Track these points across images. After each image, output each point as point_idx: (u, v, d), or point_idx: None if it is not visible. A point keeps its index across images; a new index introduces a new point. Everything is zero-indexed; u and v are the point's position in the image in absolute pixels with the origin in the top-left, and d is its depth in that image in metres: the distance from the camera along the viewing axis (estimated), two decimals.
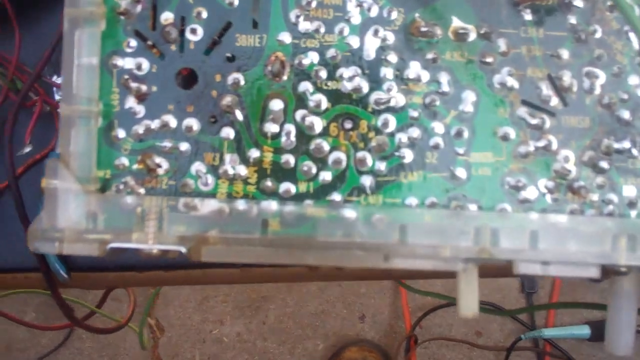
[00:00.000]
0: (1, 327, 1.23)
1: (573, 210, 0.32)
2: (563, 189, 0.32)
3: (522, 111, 0.32)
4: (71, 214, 0.30)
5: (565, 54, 0.32)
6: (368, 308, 1.26)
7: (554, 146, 0.32)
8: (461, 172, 0.32)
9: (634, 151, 0.32)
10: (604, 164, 0.31)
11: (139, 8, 0.32)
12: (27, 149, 0.47)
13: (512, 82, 0.32)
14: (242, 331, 1.26)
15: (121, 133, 0.32)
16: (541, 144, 0.32)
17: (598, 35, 0.32)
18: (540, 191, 0.32)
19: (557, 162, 0.32)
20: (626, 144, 0.32)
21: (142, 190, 0.31)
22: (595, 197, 0.32)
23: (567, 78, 0.32)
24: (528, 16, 0.32)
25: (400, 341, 1.22)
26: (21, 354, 1.24)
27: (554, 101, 0.32)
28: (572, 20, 0.32)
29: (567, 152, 0.32)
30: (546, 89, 0.32)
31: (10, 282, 0.49)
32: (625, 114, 0.32)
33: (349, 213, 0.31)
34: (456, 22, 0.32)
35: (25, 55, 0.47)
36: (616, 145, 0.32)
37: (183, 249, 0.30)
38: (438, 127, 0.32)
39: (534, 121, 0.32)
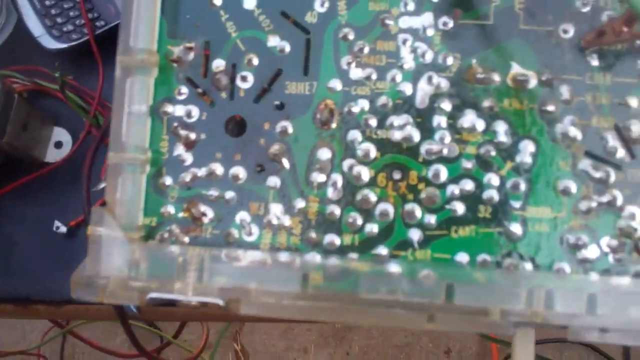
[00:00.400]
0: (90, 350, 1.28)
1: (638, 273, 0.29)
2: (628, 249, 0.29)
3: (586, 164, 0.31)
4: (114, 262, 0.31)
5: (634, 102, 0.31)
6: (455, 343, 1.23)
7: (619, 202, 0.31)
8: (516, 228, 0.30)
9: None
10: None
11: (191, 55, 0.33)
12: (102, 185, 0.48)
13: (575, 132, 0.31)
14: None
15: (169, 180, 0.33)
16: (605, 199, 0.30)
17: None
18: (603, 250, 0.30)
19: (622, 220, 0.30)
20: None
21: (186, 239, 0.32)
22: None
23: (636, 128, 0.30)
24: (594, 62, 0.31)
25: None
26: None
27: (621, 153, 0.31)
28: None
29: (633, 208, 0.30)
30: (612, 140, 0.31)
31: (82, 313, 0.51)
32: None
33: (394, 268, 0.30)
34: (516, 68, 0.31)
35: (108, 91, 0.48)
36: None
37: (221, 302, 0.29)
38: (493, 179, 0.31)
39: (597, 174, 0.30)
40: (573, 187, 0.31)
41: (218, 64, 0.33)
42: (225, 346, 1.26)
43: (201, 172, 0.33)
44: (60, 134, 0.55)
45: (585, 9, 0.31)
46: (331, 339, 1.26)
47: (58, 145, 0.54)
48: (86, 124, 0.53)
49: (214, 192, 0.32)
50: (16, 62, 0.55)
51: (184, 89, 0.33)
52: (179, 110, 0.33)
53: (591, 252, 0.30)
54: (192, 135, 0.33)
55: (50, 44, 0.54)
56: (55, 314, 0.54)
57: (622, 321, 0.28)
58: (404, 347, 1.24)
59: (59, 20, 0.54)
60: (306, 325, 1.25)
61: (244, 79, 0.33)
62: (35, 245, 0.52)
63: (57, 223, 0.52)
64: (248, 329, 1.26)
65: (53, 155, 0.54)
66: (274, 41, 0.33)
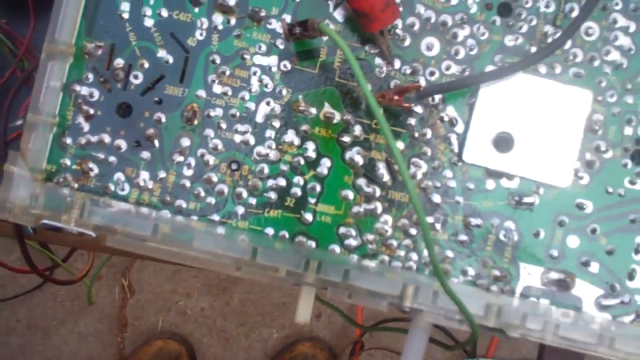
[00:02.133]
0: None
1: (383, 260, 0.42)
2: (379, 242, 0.42)
3: (362, 181, 0.42)
4: (21, 193, 0.40)
5: (400, 145, 0.42)
6: (326, 308, 1.29)
7: (379, 210, 0.42)
8: (309, 217, 0.42)
9: (437, 226, 0.42)
10: (412, 231, 0.42)
11: (100, 52, 0.42)
12: (19, 122, 0.56)
13: (358, 158, 0.43)
14: (205, 307, 1.32)
15: (69, 140, 0.42)
16: (370, 207, 0.42)
17: (428, 135, 0.42)
18: (363, 241, 0.42)
19: (378, 223, 0.42)
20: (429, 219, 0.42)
21: (75, 185, 0.42)
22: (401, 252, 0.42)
23: None
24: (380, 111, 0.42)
25: (348, 343, 1.26)
26: (0, 289, 1.30)
27: (386, 177, 0.42)
28: (412, 121, 0.42)
29: (387, 217, 0.42)
30: (382, 168, 0.42)
31: None
32: (437, 198, 0.42)
33: (220, 230, 0.42)
34: (327, 107, 0.43)
35: (36, 38, 0.55)
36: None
37: (93, 234, 0.40)
38: (299, 180, 0.42)
39: (368, 189, 0.42)
40: (351, 195, 0.43)
41: (118, 62, 0.43)
42: (114, 280, 1.30)
43: (94, 138, 0.43)
44: None
45: (381, 75, 0.43)
46: (214, 288, 1.31)
47: None
48: (13, 66, 0.61)
49: (100, 155, 0.43)
50: None
51: (90, 76, 0.43)
52: (84, 91, 0.43)
53: (355, 241, 0.43)
54: (91, 111, 0.43)
55: None
56: None
57: (365, 289, 0.41)
58: (280, 306, 1.31)
59: None
60: (193, 272, 1.30)
61: (135, 76, 0.43)
62: None
63: None
64: (137, 267, 1.31)
65: None
66: (162, 53, 0.43)
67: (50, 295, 1.31)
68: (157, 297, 1.32)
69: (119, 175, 0.43)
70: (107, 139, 0.43)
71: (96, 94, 0.43)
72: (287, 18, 0.43)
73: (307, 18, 0.40)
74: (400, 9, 0.43)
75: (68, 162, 0.43)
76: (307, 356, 1.25)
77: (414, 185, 0.38)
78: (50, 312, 1.31)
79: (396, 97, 0.41)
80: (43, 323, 1.31)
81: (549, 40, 0.43)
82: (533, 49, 0.43)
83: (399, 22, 0.43)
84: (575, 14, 0.43)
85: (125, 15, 0.43)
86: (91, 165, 0.43)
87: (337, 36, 0.37)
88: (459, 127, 0.43)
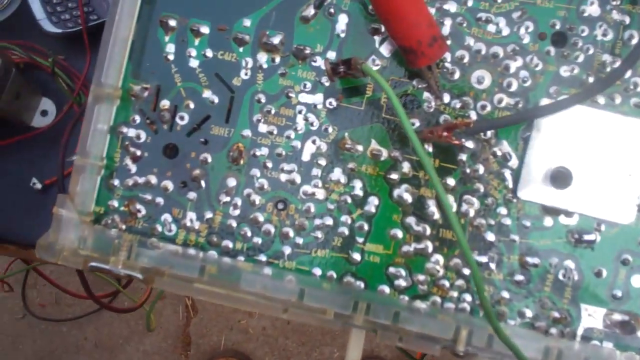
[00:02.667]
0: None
1: (435, 302, 0.40)
2: (430, 283, 0.40)
3: (411, 219, 0.40)
4: (69, 236, 0.40)
5: (451, 181, 0.40)
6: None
7: (430, 250, 0.40)
8: (357, 256, 0.41)
9: (492, 265, 0.40)
10: (465, 271, 0.40)
11: (146, 93, 0.42)
12: (75, 157, 0.56)
13: (407, 196, 0.41)
14: (267, 326, 1.32)
15: (116, 182, 0.42)
16: (420, 246, 0.40)
17: (481, 171, 0.40)
18: (414, 282, 0.40)
19: (429, 263, 0.40)
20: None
21: (123, 227, 0.42)
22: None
23: (449, 200, 0.40)
24: (430, 149, 0.40)
25: None
26: (68, 308, 1.32)
27: (436, 215, 0.40)
28: (462, 157, 0.40)
29: (438, 256, 0.40)
30: (432, 206, 0.40)
31: None
32: (491, 237, 0.40)
33: (267, 271, 0.41)
34: (374, 145, 0.41)
35: (92, 73, 0.54)
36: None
37: (140, 277, 0.39)
38: (346, 219, 0.41)
39: (418, 228, 0.40)
40: (400, 234, 0.41)
41: (164, 103, 0.43)
42: (177, 299, 1.32)
43: (141, 180, 0.43)
44: (47, 104, 0.62)
45: (430, 110, 0.41)
46: None
47: (44, 113, 0.62)
48: (70, 101, 0.62)
49: (148, 196, 0.42)
50: (15, 37, 0.62)
51: (137, 118, 0.43)
52: (131, 132, 0.43)
53: (405, 281, 0.41)
54: (138, 152, 0.43)
55: (49, 27, 0.61)
56: (22, 254, 0.63)
57: (416, 332, 0.39)
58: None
59: (58, 8, 0.62)
60: None
61: (181, 117, 0.43)
62: (13, 197, 0.60)
63: (34, 180, 0.61)
64: None
65: (39, 122, 0.62)
66: (207, 94, 0.42)
67: (117, 315, 1.32)
68: (220, 315, 1.32)
69: (166, 216, 0.42)
70: (153, 180, 0.42)
71: (143, 135, 0.43)
72: (332, 55, 0.42)
73: (350, 57, 0.38)
74: (449, 42, 0.41)
75: (116, 203, 0.43)
76: None
77: (459, 223, 0.36)
78: (116, 331, 1.33)
79: (445, 134, 0.39)
80: (109, 342, 1.33)
81: (608, 69, 0.41)
82: (591, 80, 0.41)
83: (447, 55, 0.41)
84: (635, 41, 0.40)
85: (171, 57, 0.43)
86: (138, 206, 0.42)
87: (379, 76, 0.35)
88: (513, 162, 0.41)
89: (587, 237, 0.40)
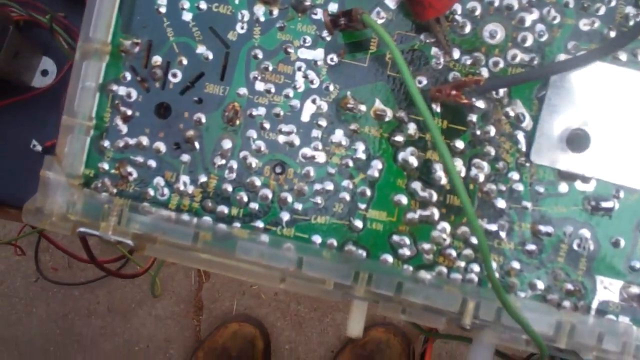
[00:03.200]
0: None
1: (440, 272, 0.38)
2: (436, 252, 0.37)
3: (416, 185, 0.38)
4: (57, 200, 0.38)
5: (460, 144, 0.37)
6: None
7: (436, 217, 0.38)
8: (359, 223, 0.38)
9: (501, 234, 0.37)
10: (473, 239, 0.37)
11: (137, 49, 0.39)
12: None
13: (413, 160, 0.38)
14: (279, 291, 1.30)
15: (106, 143, 0.40)
16: (426, 213, 0.37)
17: (492, 133, 0.37)
18: (418, 250, 0.38)
19: (435, 231, 0.38)
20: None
21: (114, 191, 0.39)
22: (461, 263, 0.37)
23: (458, 164, 0.37)
24: (437, 109, 0.38)
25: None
26: (81, 272, 1.31)
27: (444, 181, 0.37)
28: (472, 118, 0.37)
29: (445, 224, 0.38)
30: (439, 170, 0.38)
31: None
32: (502, 203, 0.37)
33: (264, 238, 0.38)
34: (378, 104, 0.38)
35: None
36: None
37: (131, 243, 0.37)
38: (348, 184, 0.38)
39: (424, 194, 0.37)
40: (404, 200, 0.39)
41: (156, 59, 0.40)
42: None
43: (132, 141, 0.40)
44: (48, 63, 0.60)
45: (438, 67, 0.38)
46: None
47: (44, 73, 0.60)
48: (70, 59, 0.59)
49: (139, 158, 0.40)
50: None
51: (128, 75, 0.40)
52: (121, 91, 0.40)
53: (409, 250, 0.39)
54: (129, 112, 0.40)
55: None
56: None
57: (420, 304, 0.37)
58: None
59: None
60: None
61: (174, 75, 0.40)
62: (13, 159, 0.58)
63: (34, 142, 0.58)
64: None
65: (39, 82, 0.59)
66: (201, 49, 0.40)
67: (129, 279, 1.30)
68: (232, 280, 1.30)
69: (158, 180, 0.40)
70: (145, 141, 0.40)
71: (134, 94, 0.40)
72: (334, 7, 0.39)
73: (351, 8, 0.35)
74: None
75: (106, 166, 0.40)
76: (380, 341, 1.23)
77: (464, 189, 0.33)
78: (129, 295, 1.33)
79: (454, 92, 0.36)
80: (122, 306, 1.33)
81: (631, 23, 0.37)
82: (612, 34, 0.37)
83: (457, 7, 0.38)
84: None
85: (163, 10, 0.40)
86: (130, 169, 0.40)
87: (379, 28, 0.32)
88: (527, 124, 0.38)
89: (604, 205, 0.37)
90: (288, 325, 1.30)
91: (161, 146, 0.40)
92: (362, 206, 0.39)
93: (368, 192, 0.39)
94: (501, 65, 0.38)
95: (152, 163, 0.40)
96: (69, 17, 0.60)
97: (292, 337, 1.30)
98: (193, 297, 1.31)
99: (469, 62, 0.38)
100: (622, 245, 0.37)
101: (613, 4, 0.37)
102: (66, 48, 0.59)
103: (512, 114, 0.38)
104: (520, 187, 0.38)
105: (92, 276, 1.29)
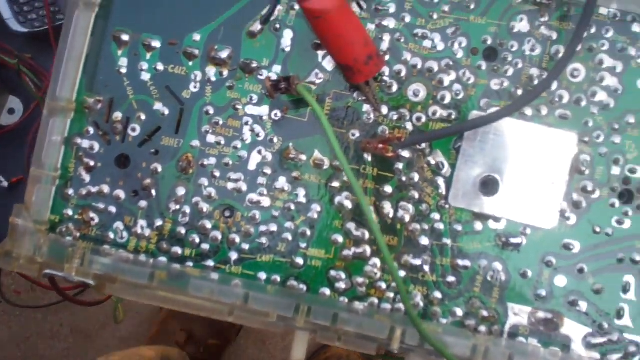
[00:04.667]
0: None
1: (372, 303, 0.41)
2: (368, 285, 0.41)
3: (351, 225, 0.41)
4: (25, 244, 0.41)
5: (388, 189, 0.41)
6: None
7: (368, 254, 0.41)
8: (300, 261, 0.42)
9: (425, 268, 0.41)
10: (401, 273, 0.40)
11: (99, 106, 0.42)
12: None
13: (347, 203, 0.42)
14: None
15: (71, 192, 0.42)
16: (360, 250, 0.41)
17: (416, 179, 0.41)
18: (353, 284, 0.41)
19: (368, 266, 0.41)
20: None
21: (77, 234, 0.42)
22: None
23: (386, 207, 0.41)
24: (369, 158, 0.41)
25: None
26: (44, 295, 1.27)
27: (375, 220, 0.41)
28: (399, 166, 0.41)
29: (376, 260, 0.41)
30: (371, 213, 0.41)
31: None
32: (425, 241, 0.41)
33: (215, 276, 0.42)
34: (317, 154, 0.41)
35: None
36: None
37: (92, 283, 0.40)
38: (290, 225, 0.41)
39: (357, 233, 0.41)
40: (340, 239, 0.42)
41: (117, 115, 0.43)
42: None
43: (94, 189, 0.43)
44: (14, 102, 0.61)
45: (369, 121, 0.42)
46: None
47: (11, 111, 0.61)
48: (37, 101, 0.61)
49: (101, 205, 0.43)
50: None
51: (91, 129, 0.43)
52: (85, 144, 0.43)
53: (345, 284, 0.42)
54: (92, 163, 0.43)
55: (16, 26, 0.61)
56: None
57: (354, 333, 0.40)
58: None
59: (25, 8, 0.61)
60: None
61: (133, 129, 0.43)
62: None
63: (0, 178, 0.60)
64: None
65: (6, 120, 0.61)
66: (158, 106, 0.43)
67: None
68: None
69: (118, 224, 0.43)
70: (106, 189, 0.43)
71: (96, 146, 0.43)
72: (278, 69, 0.42)
73: (290, 75, 0.39)
74: (387, 57, 0.42)
75: (70, 212, 0.43)
76: (341, 357, 1.25)
77: (379, 228, 0.37)
78: (92, 317, 1.32)
79: (381, 146, 0.40)
80: (86, 328, 1.32)
81: (535, 82, 0.42)
82: (519, 92, 0.42)
83: (386, 70, 0.42)
84: (561, 56, 0.41)
85: (124, 70, 0.43)
86: (92, 215, 0.43)
87: (311, 98, 0.37)
88: (446, 171, 0.42)
89: (513, 241, 0.42)
90: (251, 343, 1.32)
91: (121, 194, 0.43)
92: (303, 245, 0.42)
93: (308, 233, 0.42)
94: (423, 120, 0.42)
95: (113, 209, 0.43)
96: (36, 58, 0.62)
97: (256, 355, 1.31)
98: (156, 318, 1.32)
99: (395, 117, 0.42)
100: (530, 276, 0.42)
101: (520, 66, 0.42)
102: (32, 88, 0.61)
103: (433, 162, 0.42)
104: (441, 226, 0.42)
105: (55, 299, 1.28)
